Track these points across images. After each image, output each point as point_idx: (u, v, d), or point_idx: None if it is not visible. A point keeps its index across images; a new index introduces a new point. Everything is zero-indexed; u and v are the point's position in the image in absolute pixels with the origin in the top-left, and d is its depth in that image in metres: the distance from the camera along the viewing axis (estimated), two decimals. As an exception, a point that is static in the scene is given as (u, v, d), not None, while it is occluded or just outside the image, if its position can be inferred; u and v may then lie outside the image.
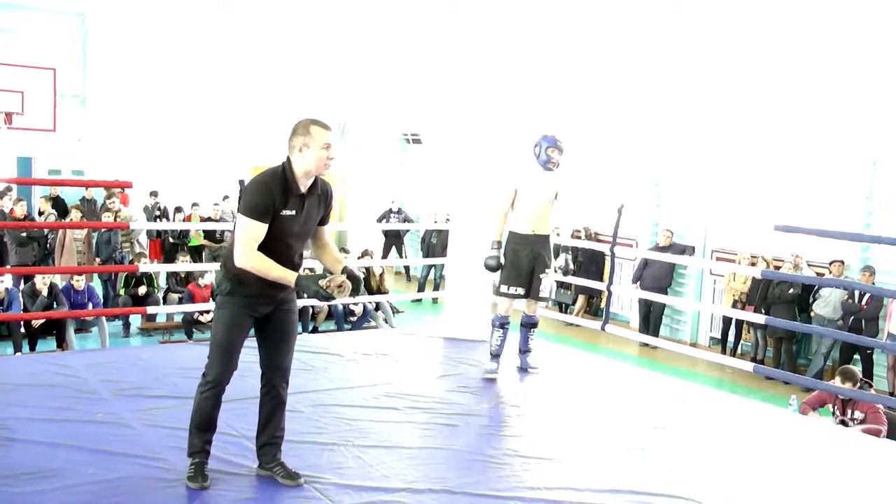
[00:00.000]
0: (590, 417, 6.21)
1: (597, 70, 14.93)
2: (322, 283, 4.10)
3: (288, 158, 4.18)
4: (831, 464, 5.69)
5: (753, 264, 12.27)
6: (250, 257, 4.07)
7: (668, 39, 13.80)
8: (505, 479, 4.79)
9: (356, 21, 17.81)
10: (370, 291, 13.11)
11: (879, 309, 11.47)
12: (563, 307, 15.59)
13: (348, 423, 5.53)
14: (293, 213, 4.17)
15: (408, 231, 18.70)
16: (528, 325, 7.25)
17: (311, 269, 7.50)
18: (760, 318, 8.43)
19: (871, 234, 10.78)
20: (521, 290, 6.95)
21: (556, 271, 7.10)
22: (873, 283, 11.24)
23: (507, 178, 7.13)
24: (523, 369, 7.25)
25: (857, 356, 11.45)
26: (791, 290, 12.00)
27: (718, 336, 13.64)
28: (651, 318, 13.85)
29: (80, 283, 11.25)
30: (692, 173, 13.93)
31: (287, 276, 4.09)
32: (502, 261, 6.93)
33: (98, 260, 13.24)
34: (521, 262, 6.91)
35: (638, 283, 13.84)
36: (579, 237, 14.15)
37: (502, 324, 7.07)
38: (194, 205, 16.74)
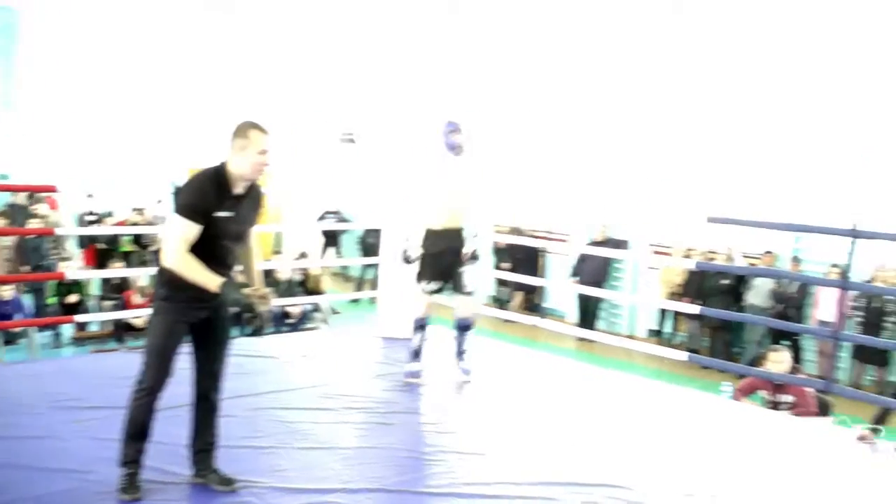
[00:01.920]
0: (526, 411, 6.26)
1: (524, 64, 15.01)
2: (245, 291, 4.07)
3: (225, 160, 4.14)
4: (762, 445, 5.83)
5: (688, 257, 12.44)
6: (177, 258, 4.01)
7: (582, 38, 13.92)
8: (441, 475, 4.81)
9: (289, 20, 17.72)
10: (308, 293, 13.05)
11: (806, 296, 11.73)
12: (501, 304, 15.64)
13: (285, 425, 5.51)
14: (229, 214, 4.12)
15: (345, 231, 18.62)
16: (461, 327, 7.07)
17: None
18: (695, 309, 8.54)
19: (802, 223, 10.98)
20: (437, 286, 6.84)
21: (463, 259, 6.86)
22: (801, 272, 11.49)
23: (420, 171, 7.05)
24: (461, 371, 7.19)
25: (787, 343, 11.65)
26: (724, 281, 12.19)
27: (655, 328, 13.80)
28: (588, 313, 13.95)
29: (6, 292, 10.97)
30: (627, 168, 14.04)
31: (210, 281, 4.03)
32: (414, 254, 6.84)
33: (27, 268, 12.97)
34: (438, 257, 6.76)
35: (574, 277, 13.92)
36: (513, 234, 14.21)
37: (419, 325, 6.98)
38: (135, 210, 16.41)
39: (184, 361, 4.28)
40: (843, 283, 6.64)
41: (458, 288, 6.84)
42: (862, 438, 6.05)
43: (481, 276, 7.45)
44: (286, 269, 12.54)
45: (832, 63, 11.78)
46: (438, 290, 6.87)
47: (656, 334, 13.68)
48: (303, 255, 14.26)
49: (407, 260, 6.88)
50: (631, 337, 13.69)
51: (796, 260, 11.86)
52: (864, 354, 11.43)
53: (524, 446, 5.42)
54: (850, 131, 11.77)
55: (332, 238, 18.14)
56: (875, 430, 6.40)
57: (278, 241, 18.69)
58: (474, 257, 6.87)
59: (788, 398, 7.10)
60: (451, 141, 6.67)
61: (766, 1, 12.33)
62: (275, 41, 18.65)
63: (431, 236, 6.80)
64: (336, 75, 18.17)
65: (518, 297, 15.58)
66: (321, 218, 17.78)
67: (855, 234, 6.07)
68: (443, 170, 6.75)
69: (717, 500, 4.76)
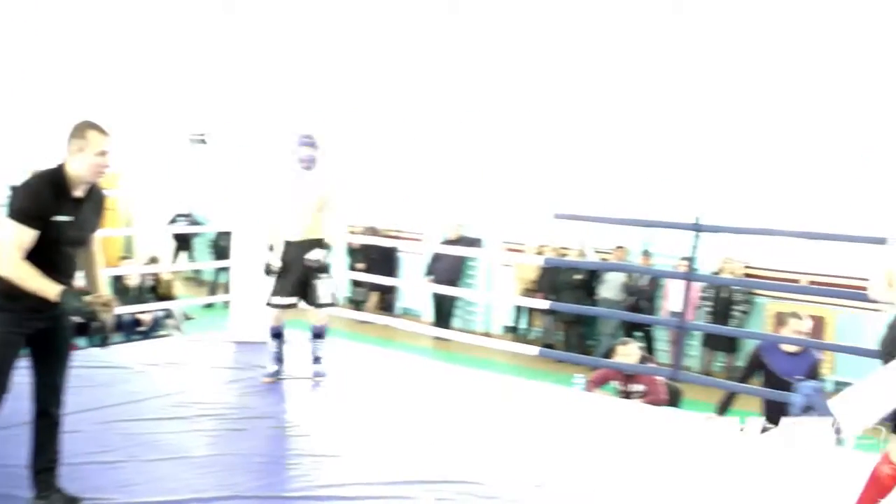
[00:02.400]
0: (382, 411, 6.26)
1: (374, 65, 15.00)
2: (86, 299, 3.92)
3: (64, 161, 3.97)
4: (612, 434, 5.98)
5: (541, 253, 12.65)
6: (12, 266, 3.80)
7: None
8: (295, 479, 4.76)
9: (133, 18, 17.25)
10: (159, 298, 12.73)
11: (657, 289, 12.10)
12: (356, 304, 15.58)
13: (134, 437, 5.32)
14: (68, 219, 3.92)
15: (198, 234, 18.25)
16: (315, 335, 7.07)
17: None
18: (546, 305, 8.69)
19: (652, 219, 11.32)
20: (289, 301, 6.78)
21: (310, 265, 6.78)
22: (651, 266, 11.85)
23: (273, 178, 6.99)
24: (314, 374, 7.14)
25: (639, 334, 11.99)
26: (577, 276, 12.44)
27: (511, 324, 13.98)
28: (444, 311, 14.03)
29: None
30: (479, 167, 14.17)
31: (48, 289, 3.82)
32: (275, 265, 6.79)
33: None
34: (291, 270, 6.72)
35: (429, 276, 13.98)
36: (367, 234, 14.19)
37: (275, 334, 6.94)
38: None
39: (22, 375, 4.09)
40: (689, 275, 6.85)
41: (312, 301, 6.79)
42: (710, 422, 6.29)
43: (338, 285, 7.39)
44: (136, 275, 12.21)
45: (674, 62, 12.15)
46: (292, 305, 6.82)
47: (512, 331, 13.87)
48: (153, 260, 13.90)
49: (268, 271, 6.81)
50: (487, 334, 13.83)
51: (646, 254, 12.24)
52: (713, 342, 11.88)
53: (379, 446, 5.42)
54: (693, 129, 12.17)
55: (184, 241, 17.76)
56: (722, 413, 6.66)
57: (128, 246, 18.20)
58: (321, 268, 6.79)
59: (639, 387, 7.30)
60: (303, 155, 6.63)
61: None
62: (116, 38, 18.13)
63: (286, 248, 6.76)
64: (186, 74, 17.78)
65: (373, 298, 15.56)
66: (173, 221, 17.39)
67: (698, 227, 6.27)
68: (295, 183, 6.71)
69: (566, 489, 4.85)
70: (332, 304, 6.87)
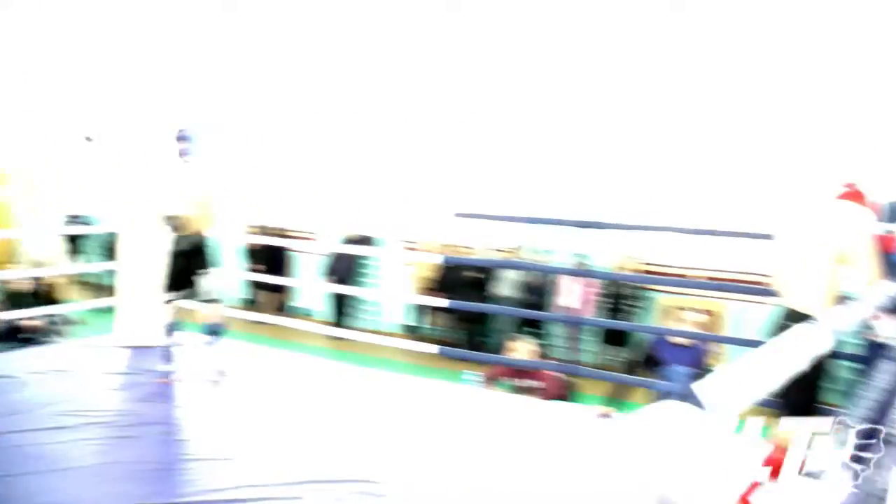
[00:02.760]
0: (277, 413, 6.19)
1: (265, 61, 14.86)
2: None
3: None
4: (509, 430, 6.01)
5: (440, 252, 12.66)
6: None
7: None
8: (186, 485, 4.67)
9: (17, 17, 16.79)
10: (47, 302, 12.39)
11: (552, 285, 12.23)
12: (252, 305, 15.38)
13: (18, 450, 5.14)
14: None
15: (87, 236, 17.83)
16: (210, 332, 6.98)
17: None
18: (444, 302, 8.71)
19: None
20: (178, 295, 6.70)
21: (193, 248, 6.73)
22: (547, 263, 11.99)
23: (158, 175, 6.88)
24: (208, 377, 7.04)
25: (535, 331, 12.09)
26: (474, 274, 12.49)
27: (409, 323, 13.97)
28: (341, 311, 13.95)
29: None
30: (377, 165, 14.14)
31: None
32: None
33: None
34: (179, 265, 6.65)
35: (326, 276, 13.88)
36: (263, 234, 14.04)
37: (169, 332, 6.85)
38: None
39: None
40: (581, 272, 6.93)
41: (200, 295, 6.70)
42: (603, 416, 6.35)
43: (227, 280, 7.29)
44: (25, 279, 11.85)
45: (562, 61, 12.29)
46: (183, 298, 6.72)
47: (410, 329, 13.85)
48: (39, 264, 13.52)
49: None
50: (385, 333, 13.81)
51: (543, 252, 12.33)
52: (607, 336, 12.05)
53: (274, 448, 5.36)
54: (584, 127, 12.33)
55: (73, 243, 17.32)
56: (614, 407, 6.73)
57: (15, 249, 17.67)
58: (207, 261, 6.68)
59: (534, 383, 7.36)
60: (180, 148, 6.55)
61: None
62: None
63: (174, 242, 6.66)
64: (75, 71, 17.35)
65: (270, 298, 15.37)
66: (66, 222, 16.96)
67: (591, 225, 6.35)
68: (179, 177, 6.61)
69: (458, 484, 4.86)
70: (218, 301, 6.77)
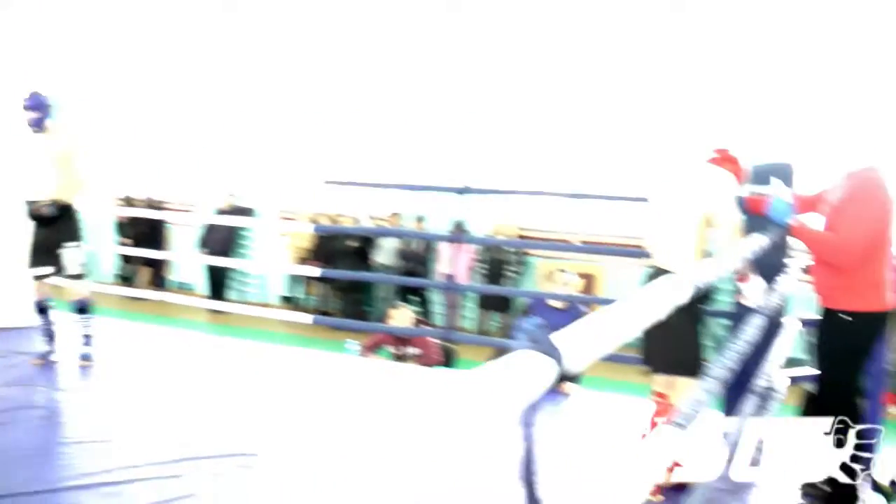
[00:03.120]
0: (154, 391, 6.07)
1: (130, 31, 14.51)
2: None
3: None
4: (388, 397, 6.03)
5: (316, 221, 12.57)
6: None
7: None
8: (60, 469, 4.54)
9: None
10: None
11: (432, 253, 12.28)
12: (127, 280, 15.06)
13: None
14: None
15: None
16: (78, 310, 6.69)
17: None
18: (316, 272, 8.66)
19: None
20: (44, 270, 6.45)
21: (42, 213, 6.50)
22: (424, 230, 12.02)
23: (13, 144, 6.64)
24: (82, 357, 6.83)
25: (416, 298, 12.14)
26: (352, 243, 12.45)
27: (287, 294, 13.87)
28: (218, 284, 13.77)
29: None
30: (249, 135, 13.95)
31: None
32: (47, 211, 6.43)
33: None
34: (40, 237, 6.39)
35: (202, 248, 13.66)
36: (135, 206, 13.75)
37: (40, 309, 6.61)
38: None
39: None
40: (458, 238, 6.96)
41: (62, 270, 6.48)
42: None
43: (95, 254, 7.08)
44: None
45: (435, 27, 12.29)
46: (49, 274, 6.50)
47: (288, 300, 13.76)
48: None
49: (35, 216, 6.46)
50: (263, 305, 13.69)
51: (420, 219, 12.35)
52: (487, 302, 12.15)
53: (152, 427, 5.24)
54: (459, 92, 12.37)
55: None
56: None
57: None
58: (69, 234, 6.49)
59: (413, 350, 7.39)
60: (28, 119, 6.32)
61: None
62: None
63: (33, 215, 6.43)
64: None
65: (145, 273, 15.06)
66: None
67: (463, 191, 6.36)
68: (35, 146, 6.39)
69: (335, 454, 4.85)
70: (81, 276, 6.57)
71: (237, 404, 5.77)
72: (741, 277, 4.05)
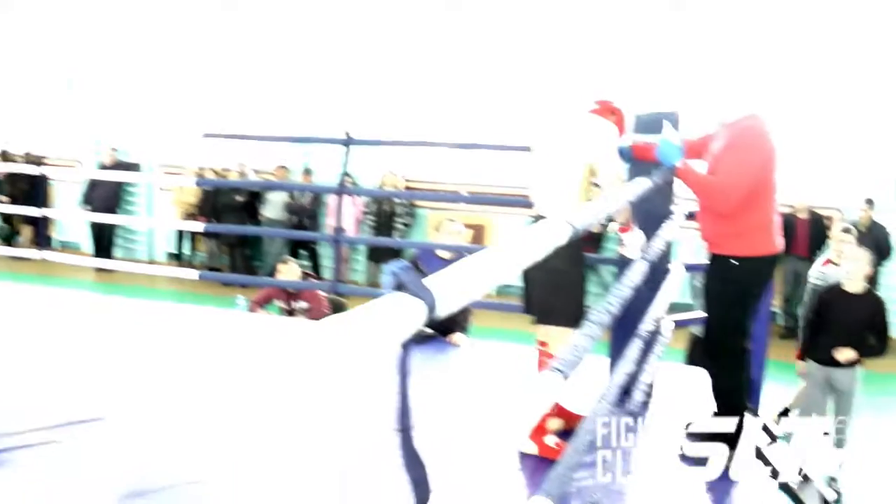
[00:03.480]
0: (34, 354, 5.88)
1: None
2: None
3: None
4: (277, 352, 5.93)
5: (201, 176, 12.34)
6: None
7: None
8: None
9: None
10: None
11: (320, 206, 12.18)
12: (7, 240, 14.59)
13: None
14: None
15: None
16: None
17: None
18: (200, 227, 8.50)
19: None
20: None
21: None
22: (311, 183, 11.91)
23: None
24: None
25: (304, 251, 12.05)
26: (238, 198, 12.25)
27: (175, 251, 13.62)
28: (104, 241, 13.44)
29: None
30: (131, 90, 13.61)
31: None
32: None
33: None
34: None
35: (87, 205, 13.29)
36: (15, 161, 13.31)
37: None
38: None
39: None
40: (343, 190, 6.85)
41: None
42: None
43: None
44: None
45: None
46: None
47: (176, 257, 13.52)
48: None
49: None
50: (151, 262, 13.44)
51: (307, 172, 12.22)
52: (377, 255, 12.08)
53: (31, 392, 5.07)
54: (342, 43, 12.25)
55: None
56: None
57: None
58: None
59: (303, 304, 7.31)
60: None
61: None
62: None
63: None
64: None
65: (26, 231, 14.62)
66: None
67: (348, 142, 6.27)
68: None
69: (212, 411, 4.75)
70: None
71: (104, 366, 5.58)
72: (623, 228, 4.08)
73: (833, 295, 6.16)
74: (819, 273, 6.74)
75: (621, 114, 4.17)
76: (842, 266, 6.29)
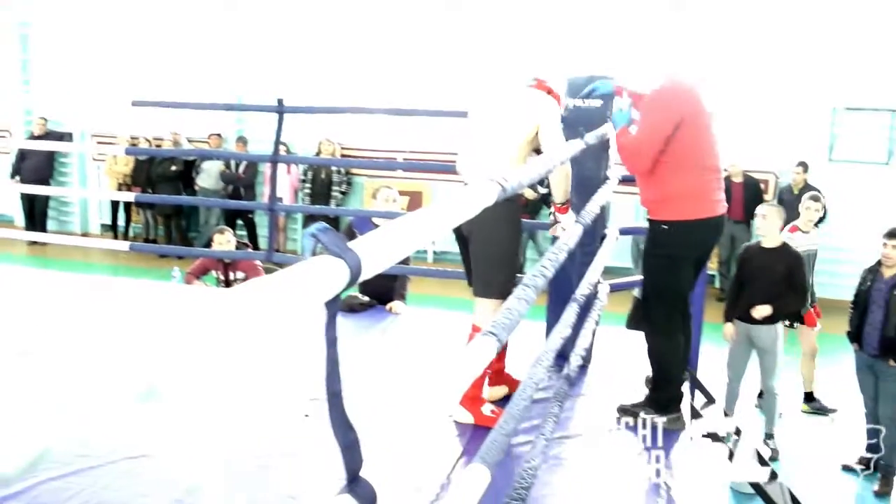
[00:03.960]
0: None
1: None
2: None
3: None
4: (204, 324, 5.85)
5: (134, 145, 12.15)
6: None
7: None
8: None
9: None
10: None
11: (256, 175, 12.04)
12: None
13: None
14: None
15: None
16: None
17: None
18: (131, 197, 8.35)
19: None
20: None
21: None
22: (247, 152, 11.76)
23: None
24: None
25: (240, 221, 11.92)
26: (173, 167, 12.07)
27: (109, 222, 13.38)
28: (36, 213, 13.18)
29: None
30: (60, 57, 13.33)
31: None
32: None
33: None
34: None
35: (17, 177, 13.01)
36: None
37: None
38: None
39: None
40: (276, 158, 6.75)
41: None
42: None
43: None
44: None
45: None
46: None
47: (111, 229, 13.28)
48: None
49: None
50: (85, 234, 13.23)
51: (241, 140, 12.05)
52: (314, 223, 11.96)
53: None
54: (275, 7, 12.10)
55: None
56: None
57: None
58: None
59: (240, 274, 7.24)
60: None
61: None
62: None
63: None
64: None
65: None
66: None
67: (281, 109, 6.18)
68: None
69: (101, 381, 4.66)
70: None
71: (35, 341, 5.46)
72: (560, 208, 4.10)
73: (751, 252, 6.27)
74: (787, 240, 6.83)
75: (557, 95, 4.19)
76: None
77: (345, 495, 1.13)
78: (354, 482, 1.16)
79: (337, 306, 1.13)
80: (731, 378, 6.45)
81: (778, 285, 5.97)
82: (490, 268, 3.93)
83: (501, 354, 4.12)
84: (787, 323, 6.76)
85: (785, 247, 6.16)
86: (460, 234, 4.01)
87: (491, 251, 3.88)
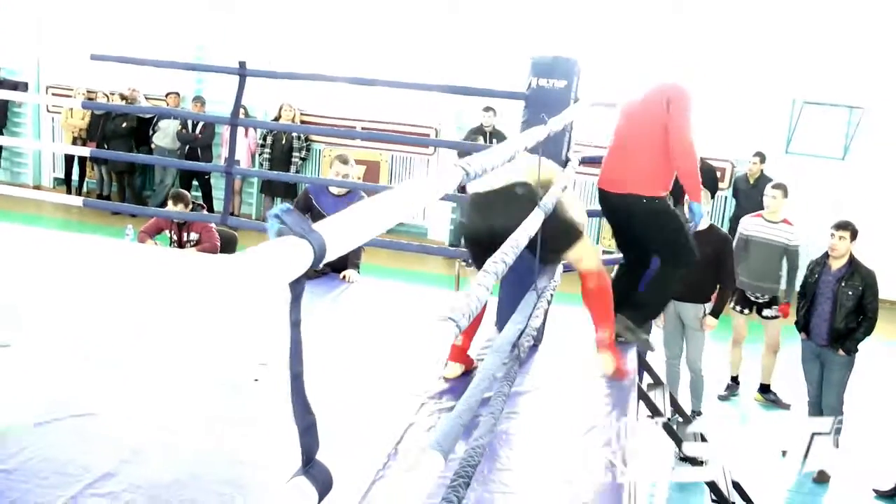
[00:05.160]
0: None
1: None
2: None
3: None
4: (169, 284, 5.81)
5: (91, 98, 11.97)
6: None
7: None
8: None
9: None
10: None
11: (213, 136, 11.92)
12: None
13: None
14: None
15: None
16: None
17: None
18: (85, 151, 8.25)
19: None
20: None
21: None
22: (204, 112, 11.63)
23: None
24: None
25: (196, 182, 11.83)
26: (126, 124, 11.92)
27: (62, 176, 13.20)
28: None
29: None
30: (18, 3, 13.08)
31: None
32: None
33: None
34: None
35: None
36: None
37: None
38: None
39: None
40: (235, 121, 6.69)
41: None
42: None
43: None
44: None
45: None
46: None
47: (64, 183, 13.10)
48: None
49: None
50: (37, 187, 13.05)
51: (199, 100, 11.91)
52: (271, 189, 11.90)
53: None
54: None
55: None
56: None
57: None
58: None
59: (193, 235, 7.19)
60: None
61: None
62: None
63: None
64: None
65: None
66: None
67: (242, 72, 6.11)
68: None
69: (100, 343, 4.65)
70: None
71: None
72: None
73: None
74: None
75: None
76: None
77: (300, 478, 1.14)
78: (310, 465, 1.16)
79: (301, 287, 1.13)
80: (669, 356, 6.65)
81: (705, 265, 5.87)
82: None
83: (470, 333, 4.14)
84: (738, 308, 6.98)
85: (713, 229, 6.32)
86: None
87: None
